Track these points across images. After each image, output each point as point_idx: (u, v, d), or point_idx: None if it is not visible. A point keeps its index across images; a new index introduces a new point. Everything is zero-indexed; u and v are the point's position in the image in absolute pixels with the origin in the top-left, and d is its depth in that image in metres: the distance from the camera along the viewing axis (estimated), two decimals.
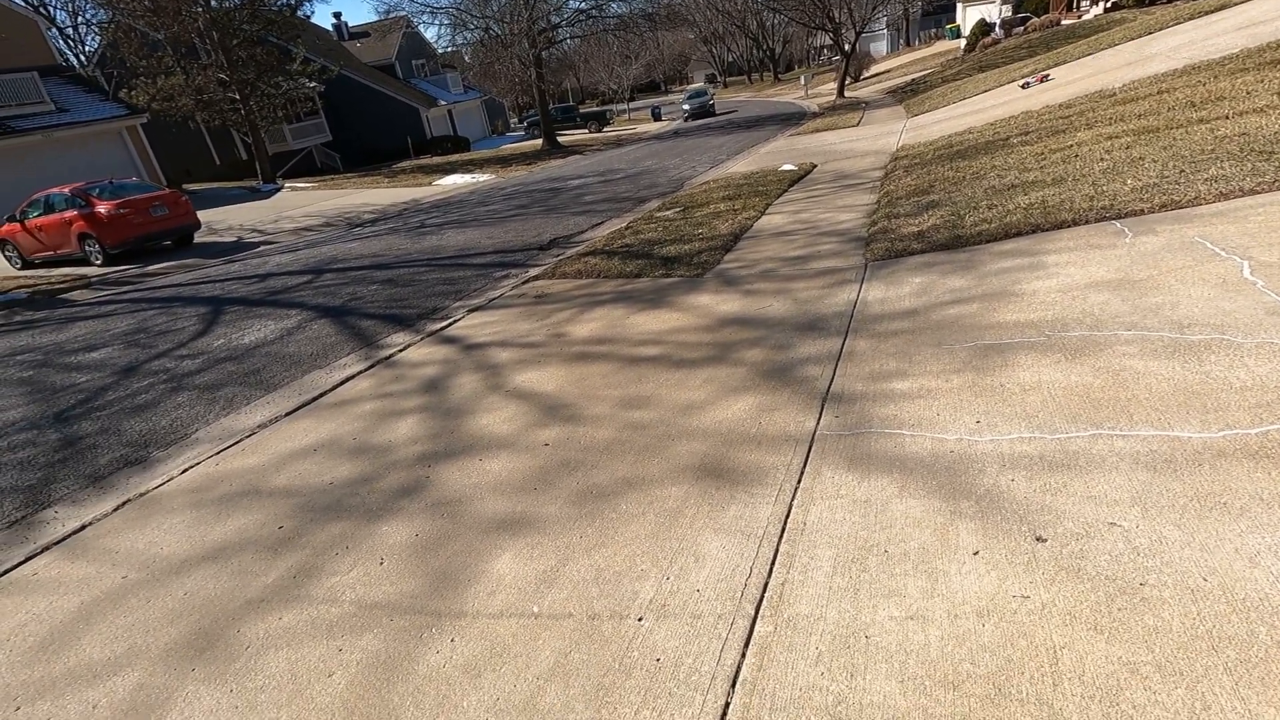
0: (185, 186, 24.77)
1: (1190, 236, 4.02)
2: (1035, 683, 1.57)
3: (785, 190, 9.40)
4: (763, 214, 8.12)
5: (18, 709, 2.21)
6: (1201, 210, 4.43)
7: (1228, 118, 6.33)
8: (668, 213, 9.20)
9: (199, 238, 15.57)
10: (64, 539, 3.31)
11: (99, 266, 13.50)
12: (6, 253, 14.74)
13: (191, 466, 3.91)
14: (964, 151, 8.98)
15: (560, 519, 2.72)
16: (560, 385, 4.14)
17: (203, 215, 16.64)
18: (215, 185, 28.46)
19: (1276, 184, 4.43)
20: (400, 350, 5.50)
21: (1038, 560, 1.93)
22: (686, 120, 34.40)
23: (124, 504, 3.59)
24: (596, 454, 3.19)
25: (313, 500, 3.27)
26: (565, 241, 9.21)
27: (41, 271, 13.90)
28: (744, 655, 1.85)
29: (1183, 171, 5.14)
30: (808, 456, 2.77)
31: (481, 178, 21.55)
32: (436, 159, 32.39)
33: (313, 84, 27.83)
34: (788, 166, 11.23)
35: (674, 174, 14.27)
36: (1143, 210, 4.67)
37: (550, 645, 2.04)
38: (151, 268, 12.79)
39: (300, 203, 21.24)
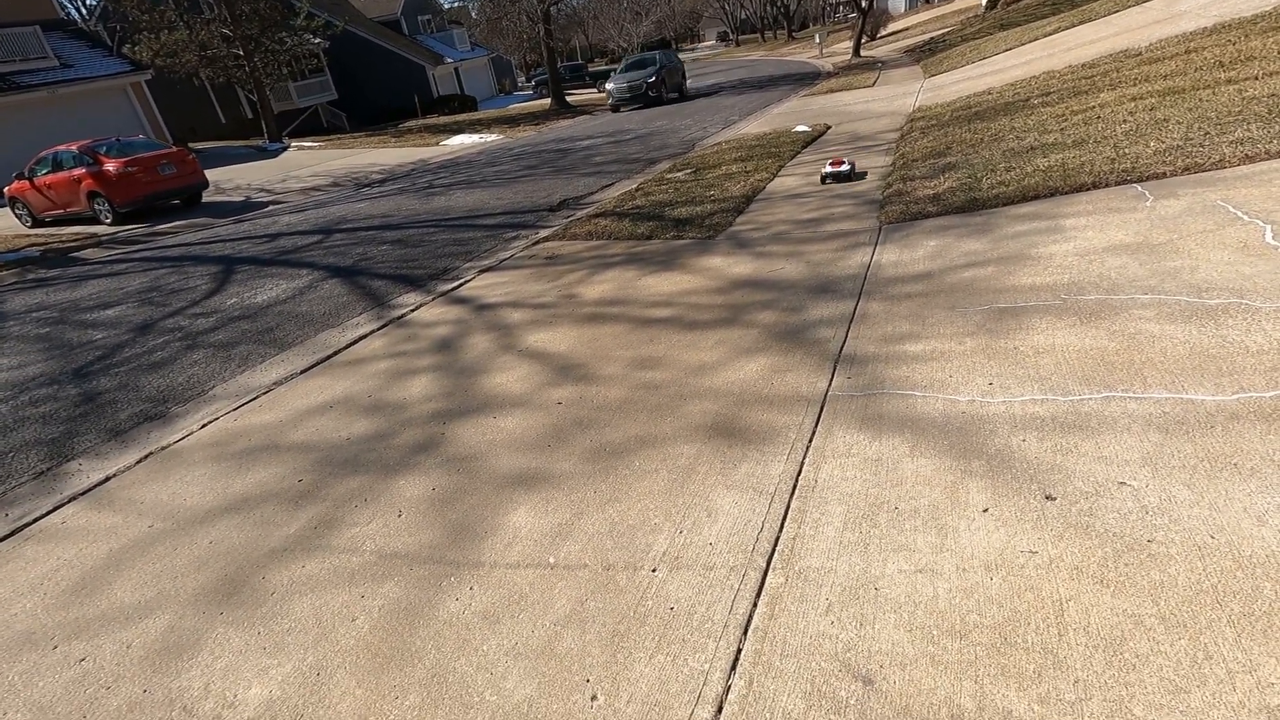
0: (191, 145, 24.57)
1: (1213, 200, 3.95)
2: (1041, 633, 1.61)
3: (798, 152, 9.26)
4: (776, 175, 8.01)
5: (55, 648, 2.31)
6: (1225, 174, 4.34)
7: (1257, 78, 6.15)
8: (679, 174, 9.09)
9: (207, 197, 15.52)
10: (89, 490, 3.40)
11: (109, 225, 13.51)
12: (17, 211, 14.75)
13: (210, 421, 3.98)
14: (982, 113, 8.78)
15: (574, 475, 2.76)
16: (572, 346, 4.16)
17: (210, 174, 16.56)
18: (221, 144, 28.25)
19: None
20: (412, 310, 5.53)
21: (1046, 518, 1.96)
22: (612, 104, 23.26)
23: (146, 457, 3.67)
24: (609, 413, 3.22)
25: (330, 455, 3.33)
26: (575, 203, 9.14)
27: (52, 230, 13.93)
28: (755, 605, 1.90)
29: (1207, 134, 5.02)
30: (819, 416, 2.79)
31: (489, 138, 21.27)
32: (443, 118, 31.95)
33: (317, 40, 27.38)
34: (801, 128, 11.03)
35: (685, 135, 14.04)
36: (1165, 173, 4.58)
37: (566, 594, 2.10)
38: (161, 227, 12.80)
39: (307, 162, 21.08)
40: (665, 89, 23.09)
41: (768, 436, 2.73)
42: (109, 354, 5.62)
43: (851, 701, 1.56)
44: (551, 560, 2.28)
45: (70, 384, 5.03)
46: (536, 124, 23.78)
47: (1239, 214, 3.67)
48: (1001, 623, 1.66)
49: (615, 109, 23.17)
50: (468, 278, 6.21)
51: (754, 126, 13.09)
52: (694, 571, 2.08)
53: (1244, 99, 5.59)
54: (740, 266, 5.02)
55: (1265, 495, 1.85)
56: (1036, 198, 4.89)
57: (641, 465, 2.73)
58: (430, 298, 5.78)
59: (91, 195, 13.31)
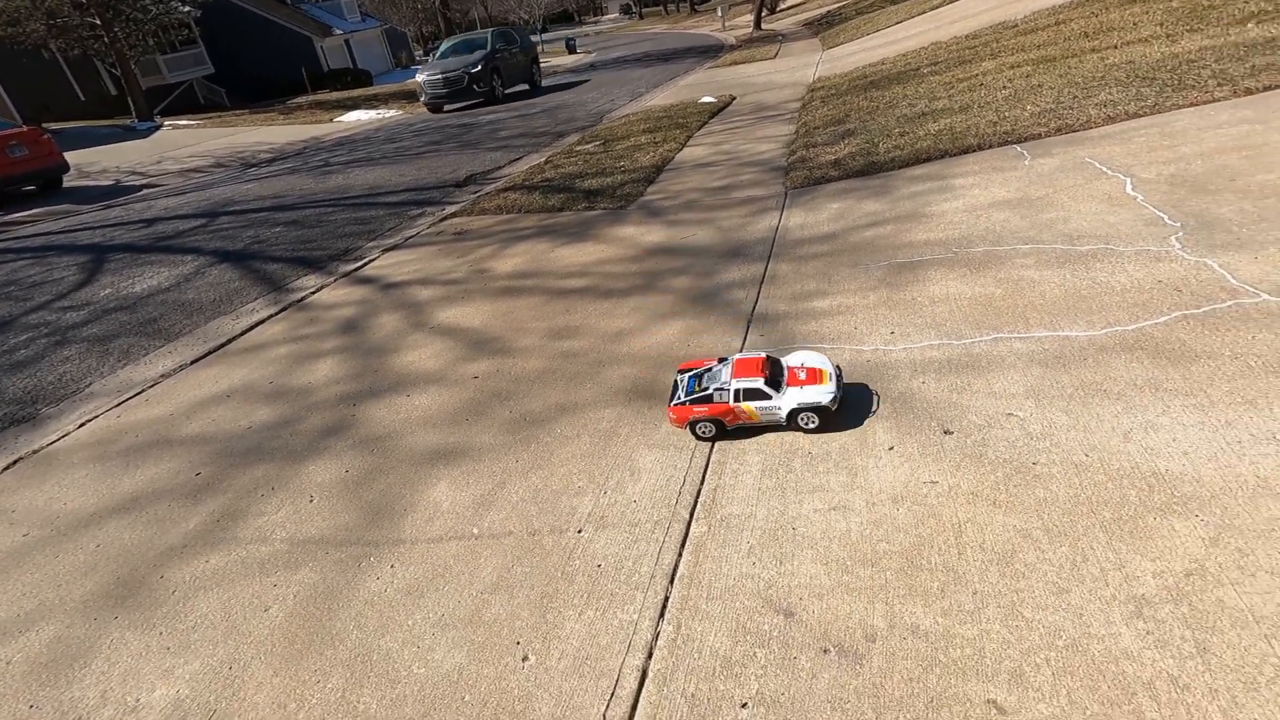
0: (45, 125, 22.15)
1: (1082, 157, 4.28)
2: (943, 554, 1.73)
3: (705, 122, 9.33)
4: (684, 146, 8.05)
5: None
6: (1092, 133, 4.71)
7: (1116, 47, 6.68)
8: (588, 146, 8.99)
9: (69, 181, 14.09)
10: None
11: None
12: None
13: (90, 420, 3.66)
14: (877, 82, 9.13)
15: (495, 446, 2.72)
16: (486, 320, 4.06)
17: (70, 157, 15.00)
18: (81, 124, 25.58)
19: (1156, 107, 4.75)
20: (313, 292, 5.24)
21: (945, 451, 2.09)
22: (426, 101, 17.69)
23: (15, 463, 3.34)
24: (528, 384, 3.18)
25: (230, 445, 3.13)
26: (483, 178, 8.88)
27: None
28: (680, 554, 1.94)
29: (1076, 97, 5.42)
30: None
31: (388, 113, 20.29)
32: (336, 94, 30.17)
33: (186, 8, 25.13)
34: (707, 99, 11.12)
35: (592, 108, 13.88)
36: (1040, 134, 4.92)
37: (492, 562, 2.08)
38: (15, 216, 11.52)
39: (184, 142, 19.46)
40: (501, 81, 17.92)
41: None
42: None
43: (774, 634, 1.63)
44: (475, 531, 2.24)
45: None
46: None
47: (1104, 169, 4.00)
48: (908, 548, 1.77)
49: (434, 109, 17.78)
50: (372, 257, 5.94)
51: (661, 99, 13.09)
52: (620, 529, 2.10)
53: (1105, 66, 6.06)
54: (653, 234, 5.04)
55: (1129, 415, 2.04)
56: (928, 160, 5.14)
57: (563, 432, 2.72)
58: (332, 279, 5.50)
59: None
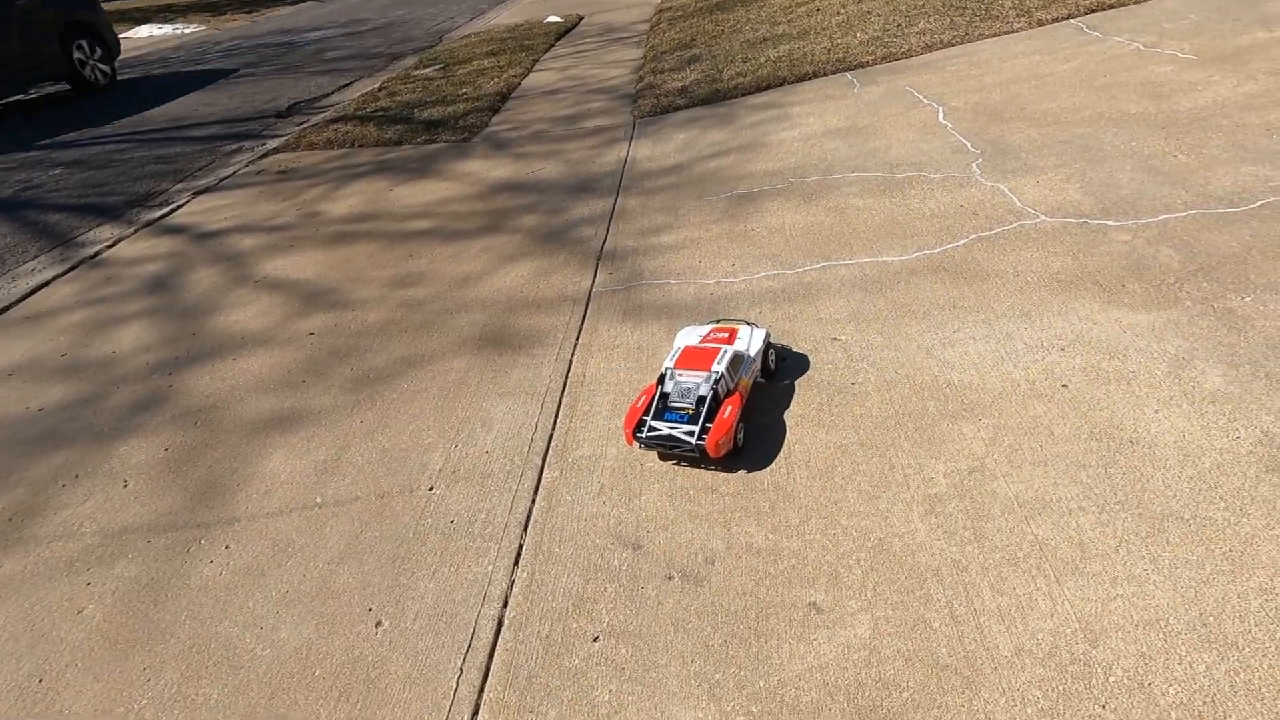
0: None
1: (902, 86, 4.55)
2: (775, 474, 1.88)
3: (552, 45, 8.92)
4: (530, 71, 7.68)
5: None
6: (913, 61, 5.00)
7: None
8: (427, 70, 8.33)
9: None
10: None
11: None
12: None
13: None
14: (723, 4, 9.08)
15: (336, 408, 2.57)
16: (320, 270, 3.76)
17: None
18: None
19: (967, 37, 5.11)
20: (109, 246, 4.58)
21: (777, 376, 2.23)
22: None
23: None
24: (370, 337, 3.01)
25: (17, 432, 2.74)
26: (308, 107, 8.02)
27: None
28: (534, 502, 1.96)
29: (900, 25, 5.70)
30: (585, 314, 2.86)
31: (188, 29, 17.59)
32: (121, 5, 25.59)
33: None
34: (553, 19, 10.58)
35: (430, 26, 12.80)
36: (868, 62, 5.15)
37: (339, 530, 2.00)
38: None
39: None
40: None
41: (537, 340, 2.75)
42: None
43: (624, 568, 1.71)
44: (319, 499, 2.13)
45: None
46: (249, 11, 20.06)
47: (921, 98, 4.28)
48: (744, 472, 1.90)
49: None
50: (180, 202, 5.26)
51: (504, 17, 12.29)
52: (472, 483, 2.08)
53: None
54: (500, 169, 4.82)
55: (931, 333, 2.28)
56: (770, 87, 5.25)
57: (410, 387, 2.61)
58: (132, 229, 4.82)
59: None
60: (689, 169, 4.14)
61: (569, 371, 2.50)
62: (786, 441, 1.98)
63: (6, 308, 3.90)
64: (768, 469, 1.90)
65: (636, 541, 1.77)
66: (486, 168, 4.91)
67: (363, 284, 3.51)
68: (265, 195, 5.09)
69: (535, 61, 8.06)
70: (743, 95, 5.24)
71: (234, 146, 6.72)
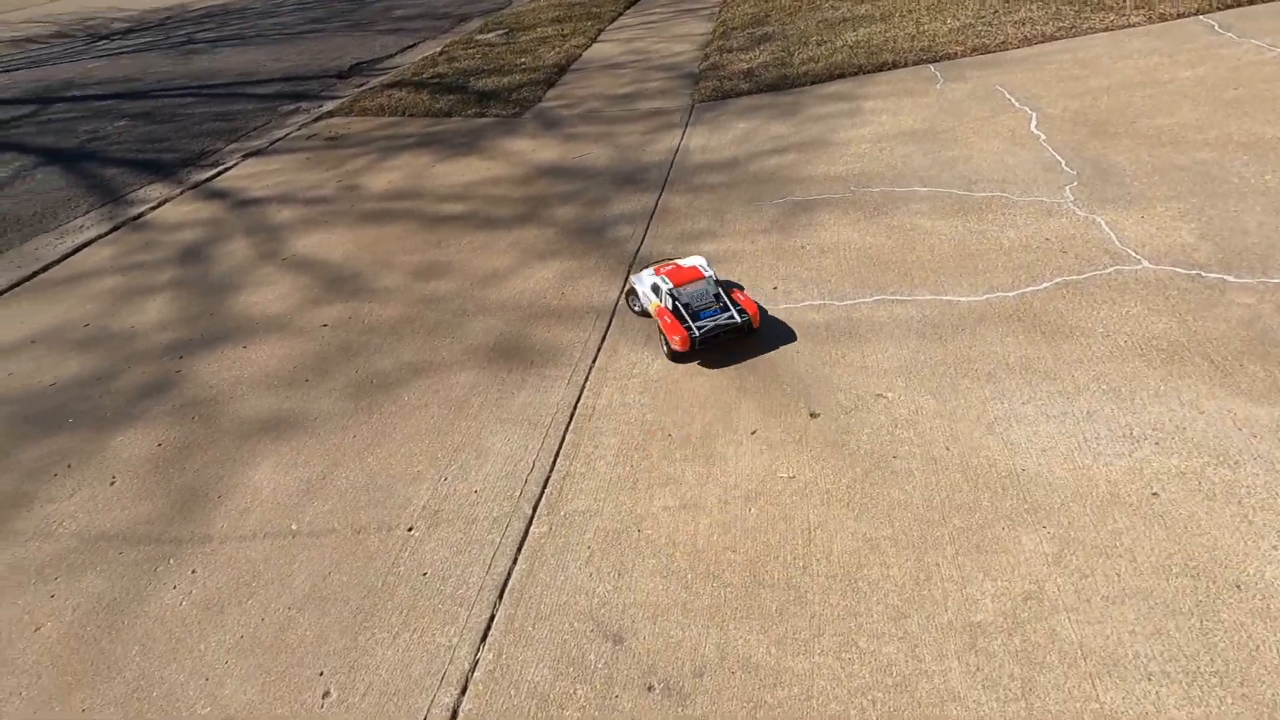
0: None
1: (992, 84, 4.06)
2: (788, 566, 1.61)
3: (621, 13, 8.54)
4: (594, 41, 7.35)
5: None
6: (1007, 56, 4.47)
7: None
8: (490, 35, 8.09)
9: None
10: None
11: None
12: None
13: None
14: None
15: (333, 416, 2.42)
16: (348, 251, 3.62)
17: None
18: None
19: (1074, 30, 4.53)
20: (155, 207, 4.57)
21: (808, 438, 1.95)
22: None
23: None
24: (382, 335, 2.84)
25: (26, 409, 2.70)
26: (369, 68, 7.92)
27: None
28: (515, 561, 1.76)
29: (996, 12, 5.13)
30: (607, 331, 2.62)
31: None
32: None
33: None
34: None
35: None
36: (956, 53, 4.64)
37: (307, 568, 1.84)
38: None
39: (16, 4, 16.57)
40: None
41: (551, 357, 2.52)
42: None
43: (599, 665, 1.49)
44: (294, 526, 1.98)
45: None
46: None
47: (1012, 100, 3.80)
48: (753, 559, 1.64)
49: None
50: (230, 164, 5.22)
51: None
52: (454, 527, 1.89)
53: None
54: (546, 150, 4.58)
55: (996, 402, 1.94)
56: (842, 76, 4.81)
57: (411, 399, 2.44)
58: (179, 190, 4.80)
59: None
60: (743, 166, 3.80)
61: (578, 401, 2.27)
62: (807, 523, 1.71)
63: (48, 266, 3.92)
64: (781, 557, 1.64)
65: (619, 633, 1.54)
66: (532, 148, 4.67)
67: (387, 271, 3.35)
68: (311, 163, 4.99)
69: (600, 31, 7.72)
70: (812, 83, 4.81)
71: (292, 107, 6.67)
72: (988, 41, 4.64)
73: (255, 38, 10.27)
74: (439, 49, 7.92)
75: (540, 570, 1.72)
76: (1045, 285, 2.36)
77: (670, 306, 2.35)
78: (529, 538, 1.82)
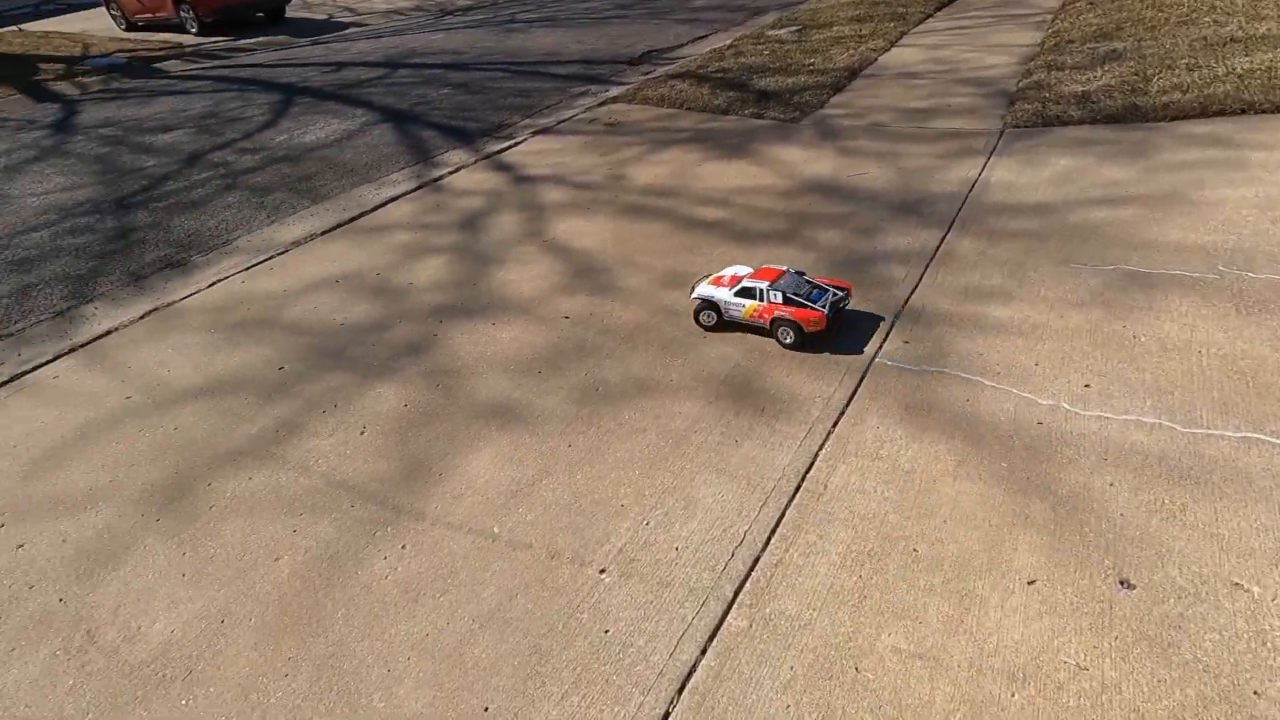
0: None
1: None
2: None
3: (930, 14, 7.74)
4: (894, 44, 6.74)
5: (2, 525, 2.24)
6: None
7: None
8: (781, 31, 7.83)
9: (292, 12, 14.94)
10: (90, 342, 3.31)
11: (194, 35, 13.30)
12: (112, 11, 14.69)
13: (220, 280, 3.79)
14: None
15: (555, 417, 2.39)
16: (603, 242, 3.65)
17: None
18: None
19: None
20: (451, 172, 5.06)
21: (1115, 617, 1.45)
22: None
23: (151, 311, 3.54)
24: (616, 340, 2.78)
25: (319, 342, 3.08)
26: (659, 57, 8.11)
27: (143, 35, 13.83)
28: (704, 653, 1.54)
29: None
30: (855, 390, 2.27)
31: None
32: None
33: None
34: None
35: None
36: None
37: (498, 581, 1.80)
38: (242, 42, 12.45)
39: None
40: None
41: (785, 408, 2.25)
42: (154, 185, 5.50)
43: None
44: (496, 529, 1.97)
45: (110, 215, 4.95)
46: None
47: None
48: None
49: None
50: (520, 139, 5.62)
51: None
52: (647, 584, 1.72)
53: None
54: (819, 163, 4.23)
55: None
56: (1222, 113, 3.78)
57: (631, 419, 2.32)
58: (474, 159, 5.27)
59: (178, 2, 13.03)
60: (1060, 214, 3.13)
61: (808, 471, 1.97)
62: None
63: (364, 214, 4.51)
64: None
65: None
66: (805, 158, 4.35)
67: (634, 271, 3.30)
68: (588, 147, 5.18)
69: (903, 34, 7.06)
70: (1174, 119, 3.85)
71: (582, 89, 7.04)
72: None
73: (566, 20, 11.11)
74: (728, 42, 7.85)
75: (730, 677, 1.48)
76: None
77: (780, 300, 2.48)
78: (724, 628, 1.59)
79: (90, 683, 1.70)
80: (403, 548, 1.97)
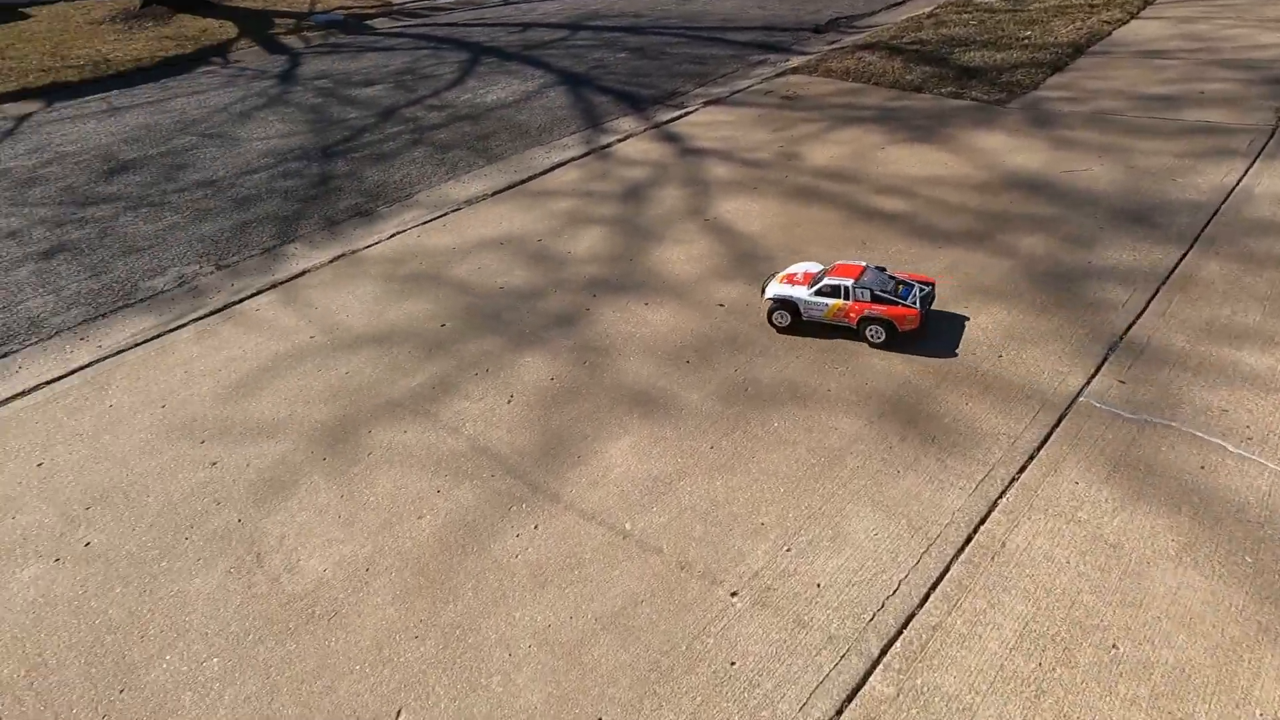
0: None
1: None
2: None
3: None
4: (1133, 16, 5.78)
5: (202, 442, 2.52)
6: None
7: None
8: None
9: None
10: (287, 281, 3.64)
11: None
12: None
13: (399, 233, 4.03)
14: None
15: (699, 413, 2.28)
16: (767, 226, 3.45)
17: None
18: None
19: None
20: (620, 140, 5.03)
21: None
22: None
23: (340, 257, 3.84)
24: (771, 336, 2.61)
25: (479, 304, 3.17)
26: (847, 24, 7.56)
27: None
28: (839, 715, 1.38)
29: None
30: (1050, 432, 1.95)
31: None
32: None
33: None
34: None
35: None
36: None
37: (625, 583, 1.74)
38: (442, 1, 13.20)
39: None
40: None
41: (961, 441, 1.97)
42: (353, 136, 5.96)
43: None
44: (628, 526, 1.91)
45: (316, 162, 5.44)
46: None
47: None
48: None
49: None
50: (690, 108, 5.47)
51: None
52: (781, 619, 1.58)
53: None
54: (1026, 154, 3.71)
55: None
56: None
57: (781, 428, 2.16)
58: (643, 127, 5.20)
59: None
60: None
61: (983, 522, 1.72)
62: None
63: (532, 177, 4.60)
64: None
65: None
66: (1009, 147, 3.84)
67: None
68: (761, 121, 4.93)
69: (1148, 2, 6.03)
70: None
71: (760, 58, 6.73)
72: None
73: None
74: (928, 10, 7.14)
75: None
76: None
77: (869, 299, 2.40)
78: (865, 689, 1.41)
79: (254, 605, 1.85)
80: (535, 528, 1.96)
